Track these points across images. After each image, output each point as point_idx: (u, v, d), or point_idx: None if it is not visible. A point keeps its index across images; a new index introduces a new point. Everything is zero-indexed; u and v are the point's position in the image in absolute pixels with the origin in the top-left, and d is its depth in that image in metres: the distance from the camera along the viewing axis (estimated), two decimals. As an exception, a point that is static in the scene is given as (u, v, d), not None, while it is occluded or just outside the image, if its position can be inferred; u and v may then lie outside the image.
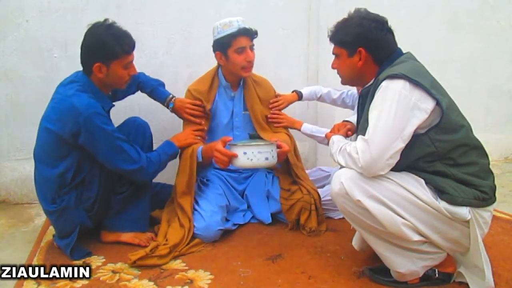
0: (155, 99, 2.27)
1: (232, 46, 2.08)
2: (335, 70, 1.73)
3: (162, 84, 2.29)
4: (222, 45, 2.10)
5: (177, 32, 2.63)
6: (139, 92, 2.28)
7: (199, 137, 2.16)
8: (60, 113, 1.77)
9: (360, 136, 1.47)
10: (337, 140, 1.64)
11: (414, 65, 1.52)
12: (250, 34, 2.09)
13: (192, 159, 2.07)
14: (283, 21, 2.80)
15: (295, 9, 2.81)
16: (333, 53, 1.70)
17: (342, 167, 1.56)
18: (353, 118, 1.93)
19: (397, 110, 1.40)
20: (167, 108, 2.24)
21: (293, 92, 2.46)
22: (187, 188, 2.07)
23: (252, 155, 1.82)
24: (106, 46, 1.77)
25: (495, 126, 3.42)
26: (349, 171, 1.49)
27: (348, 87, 2.39)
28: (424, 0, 3.12)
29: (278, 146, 1.96)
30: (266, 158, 1.84)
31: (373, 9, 1.65)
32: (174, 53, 2.64)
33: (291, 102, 2.42)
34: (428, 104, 1.42)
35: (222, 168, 1.98)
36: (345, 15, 1.66)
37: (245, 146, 1.83)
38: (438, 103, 1.42)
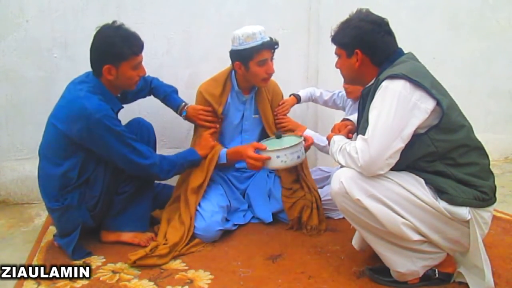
0: (167, 106, 2.28)
1: (254, 59, 2.05)
2: (337, 70, 1.75)
3: (175, 91, 2.30)
4: (243, 57, 2.07)
5: (177, 32, 2.63)
6: (151, 96, 2.29)
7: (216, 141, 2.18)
8: (70, 113, 1.78)
9: (360, 136, 1.48)
10: (338, 139, 1.64)
11: (414, 65, 1.53)
12: (272, 47, 2.08)
13: (211, 162, 2.08)
14: (283, 21, 2.80)
15: (295, 9, 2.81)
16: (335, 53, 1.71)
17: (342, 166, 1.56)
18: (353, 116, 1.93)
19: (397, 110, 1.40)
20: (180, 115, 2.25)
21: (291, 95, 2.48)
22: (198, 188, 2.06)
23: (285, 157, 1.89)
24: (115, 47, 1.78)
25: (495, 126, 3.42)
26: (349, 170, 1.49)
27: (339, 88, 2.42)
28: (424, 0, 3.12)
29: (305, 139, 2.01)
30: (298, 157, 1.92)
31: (373, 9, 1.65)
32: (174, 53, 2.64)
33: (292, 106, 2.44)
34: (428, 104, 1.42)
35: (256, 170, 2.11)
36: (345, 15, 1.66)
37: (278, 151, 1.90)
38: (438, 103, 1.42)
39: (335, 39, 1.68)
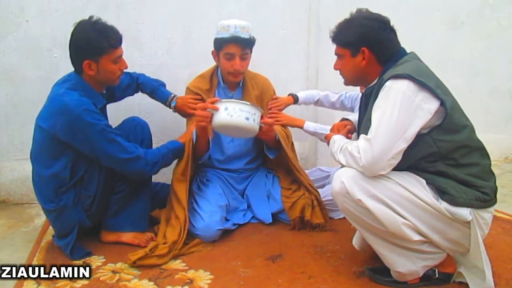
0: (156, 100, 2.28)
1: (223, 50, 2.09)
2: (336, 71, 1.73)
3: (163, 84, 2.30)
4: (216, 45, 2.12)
5: (177, 32, 2.63)
6: (139, 92, 2.29)
7: None
8: (52, 111, 1.78)
9: (362, 135, 1.47)
10: (338, 139, 1.63)
11: (418, 65, 1.52)
12: (241, 43, 2.06)
13: (188, 145, 2.05)
14: (283, 21, 2.80)
15: (295, 9, 2.81)
16: (336, 54, 1.69)
17: (342, 166, 1.56)
18: (352, 116, 1.93)
19: (400, 110, 1.40)
20: (169, 107, 2.25)
21: (289, 95, 2.45)
22: (183, 175, 2.03)
23: (233, 111, 1.81)
24: (92, 42, 1.77)
25: (495, 126, 3.42)
26: (350, 170, 1.49)
27: (347, 88, 2.38)
28: (424, 0, 3.13)
29: (263, 118, 1.94)
30: (247, 118, 1.82)
31: (373, 9, 1.65)
32: (174, 53, 2.64)
33: (288, 105, 2.42)
34: (432, 105, 1.42)
35: (204, 125, 1.94)
36: (345, 15, 1.65)
37: (228, 102, 1.84)
38: (442, 104, 1.42)
39: (337, 39, 1.65)
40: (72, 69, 1.89)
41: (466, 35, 3.26)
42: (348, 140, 1.62)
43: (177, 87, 2.38)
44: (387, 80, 1.45)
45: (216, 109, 1.84)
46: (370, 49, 1.57)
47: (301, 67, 2.89)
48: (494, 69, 3.37)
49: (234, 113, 1.81)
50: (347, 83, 1.72)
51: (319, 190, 2.23)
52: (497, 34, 3.32)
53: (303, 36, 2.85)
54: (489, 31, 3.30)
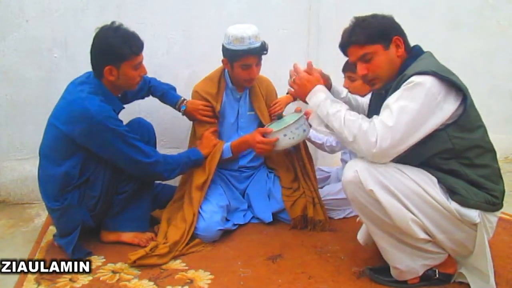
0: (165, 103, 2.29)
1: (239, 62, 2.07)
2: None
3: (173, 88, 2.32)
4: (229, 56, 2.09)
5: (177, 32, 2.63)
6: (149, 96, 2.31)
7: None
8: (71, 114, 1.78)
9: (382, 120, 1.42)
10: (332, 100, 1.59)
11: (437, 63, 1.53)
12: (257, 53, 2.06)
13: (212, 159, 2.09)
14: (283, 21, 2.80)
15: (295, 9, 2.81)
16: (360, 57, 1.57)
17: (343, 160, 1.54)
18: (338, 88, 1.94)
19: (424, 105, 1.39)
20: (179, 111, 2.26)
21: (287, 93, 2.46)
22: (203, 186, 2.07)
23: (292, 133, 1.94)
24: (115, 48, 1.79)
25: (495, 126, 3.40)
26: (364, 160, 1.47)
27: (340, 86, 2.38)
28: (424, 0, 3.12)
29: (305, 114, 2.01)
30: (304, 130, 1.96)
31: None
32: (174, 53, 2.64)
33: (287, 104, 2.42)
34: (451, 105, 1.42)
35: (265, 155, 2.21)
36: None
37: (283, 129, 1.94)
38: (463, 100, 1.43)
39: (363, 37, 1.55)
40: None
41: (466, 35, 3.25)
42: (346, 106, 1.56)
43: (177, 87, 2.37)
44: (410, 76, 1.43)
45: (277, 140, 1.95)
46: (401, 36, 1.57)
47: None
48: (494, 69, 3.36)
49: (294, 135, 1.94)
50: (382, 84, 1.59)
51: (319, 190, 2.23)
52: (497, 34, 3.31)
53: (303, 36, 2.85)
54: (489, 31, 3.29)
